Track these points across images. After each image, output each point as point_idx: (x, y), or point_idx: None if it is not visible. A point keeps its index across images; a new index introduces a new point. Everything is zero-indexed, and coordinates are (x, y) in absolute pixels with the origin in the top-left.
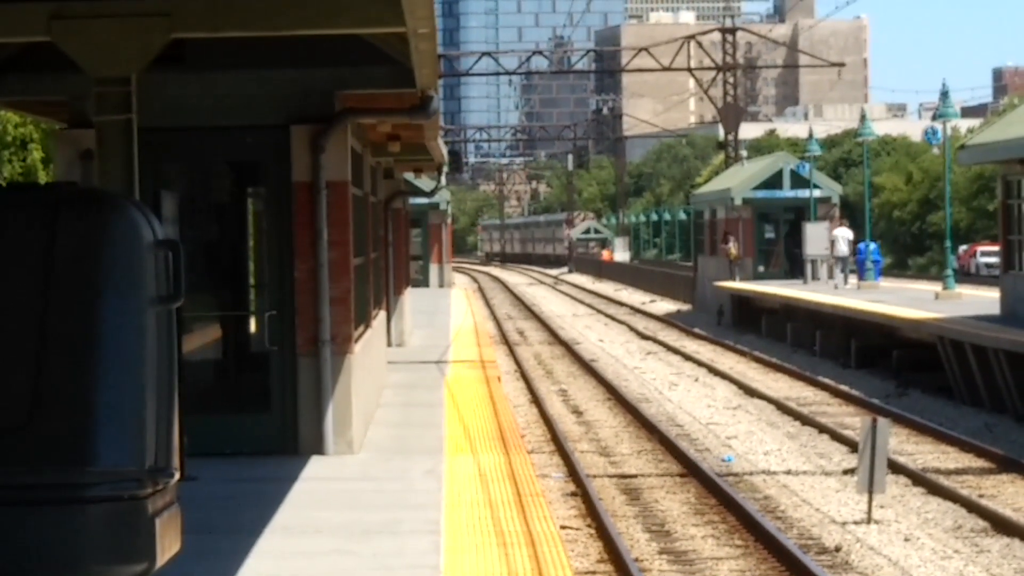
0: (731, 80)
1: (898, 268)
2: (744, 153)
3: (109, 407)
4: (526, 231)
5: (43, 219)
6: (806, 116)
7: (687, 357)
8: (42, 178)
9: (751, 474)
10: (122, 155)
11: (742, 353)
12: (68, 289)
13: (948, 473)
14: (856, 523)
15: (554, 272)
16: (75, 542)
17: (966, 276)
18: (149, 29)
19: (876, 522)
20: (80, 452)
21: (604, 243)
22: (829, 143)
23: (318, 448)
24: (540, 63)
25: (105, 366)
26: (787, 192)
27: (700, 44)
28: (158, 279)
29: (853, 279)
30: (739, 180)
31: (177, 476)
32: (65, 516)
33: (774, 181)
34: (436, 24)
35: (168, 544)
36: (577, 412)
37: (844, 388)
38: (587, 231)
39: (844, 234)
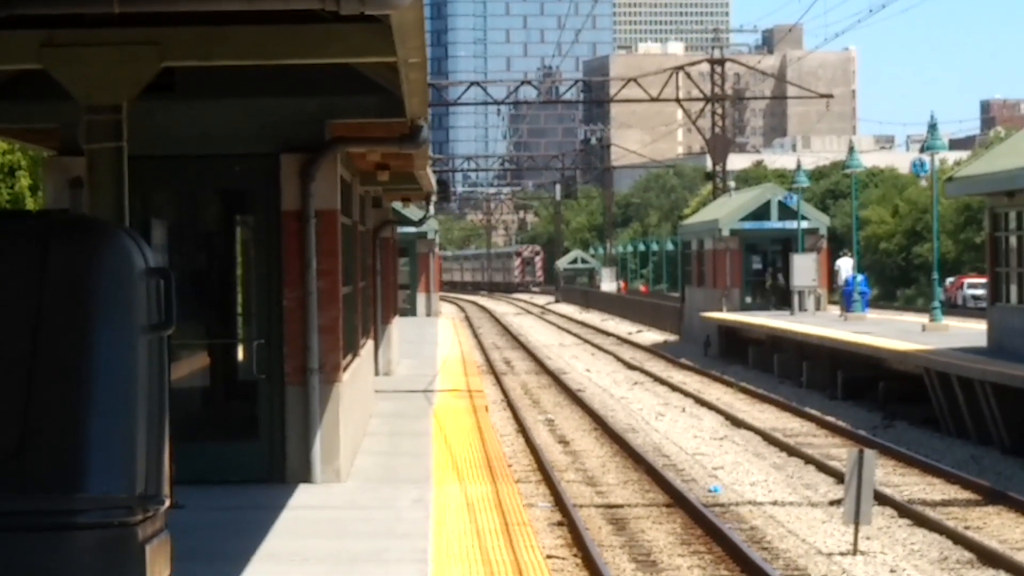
0: (719, 111)
1: (885, 300)
2: (732, 184)
3: (100, 434)
4: (476, 262)
5: (35, 246)
6: (794, 147)
7: (674, 387)
8: (30, 205)
9: (737, 505)
10: (113, 183)
11: (729, 384)
12: (59, 316)
13: (934, 505)
14: (842, 554)
15: (540, 301)
16: (66, 569)
17: (953, 308)
18: (140, 58)
19: (862, 553)
20: (71, 479)
21: (592, 273)
22: (817, 175)
23: (305, 476)
24: (528, 93)
25: (96, 393)
26: (775, 223)
27: (688, 75)
28: (149, 307)
29: (836, 309)
30: (727, 211)
31: (168, 503)
32: (56, 543)
33: (762, 212)
34: (426, 54)
35: (158, 571)
36: (564, 442)
37: (830, 419)
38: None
39: (847, 264)
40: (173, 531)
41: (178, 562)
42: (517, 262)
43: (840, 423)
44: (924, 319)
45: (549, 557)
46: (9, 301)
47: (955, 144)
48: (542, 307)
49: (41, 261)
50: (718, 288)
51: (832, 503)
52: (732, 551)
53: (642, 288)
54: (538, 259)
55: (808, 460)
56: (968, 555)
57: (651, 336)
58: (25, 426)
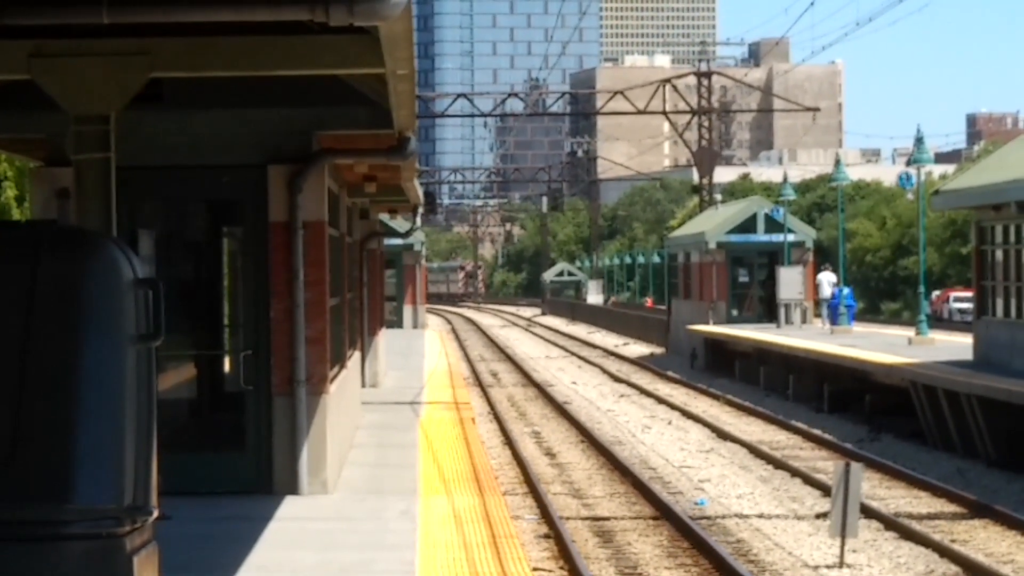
0: (706, 124)
1: (871, 313)
2: (718, 197)
3: (88, 445)
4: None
5: (24, 257)
6: (780, 160)
7: (660, 400)
8: (16, 216)
9: (724, 517)
10: (100, 193)
11: (715, 396)
12: (49, 326)
13: (920, 518)
14: (828, 567)
15: (527, 314)
16: None
17: (939, 321)
18: (129, 68)
19: (848, 566)
20: (59, 489)
21: (579, 286)
22: (803, 188)
23: (292, 488)
24: (515, 105)
25: (85, 404)
26: (761, 236)
27: (675, 88)
28: (138, 317)
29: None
30: (713, 224)
31: (155, 514)
32: (44, 553)
33: (748, 225)
34: (415, 65)
35: None
36: (550, 454)
37: (817, 432)
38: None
39: (828, 278)
40: (160, 542)
41: (166, 573)
42: (461, 275)
43: (826, 436)
44: (910, 332)
45: (536, 570)
46: None
47: (941, 158)
48: (528, 319)
49: (30, 272)
50: (704, 301)
51: (818, 516)
52: (719, 564)
53: (647, 302)
54: (480, 272)
55: (794, 473)
56: (954, 568)
57: (637, 349)
58: (14, 436)
